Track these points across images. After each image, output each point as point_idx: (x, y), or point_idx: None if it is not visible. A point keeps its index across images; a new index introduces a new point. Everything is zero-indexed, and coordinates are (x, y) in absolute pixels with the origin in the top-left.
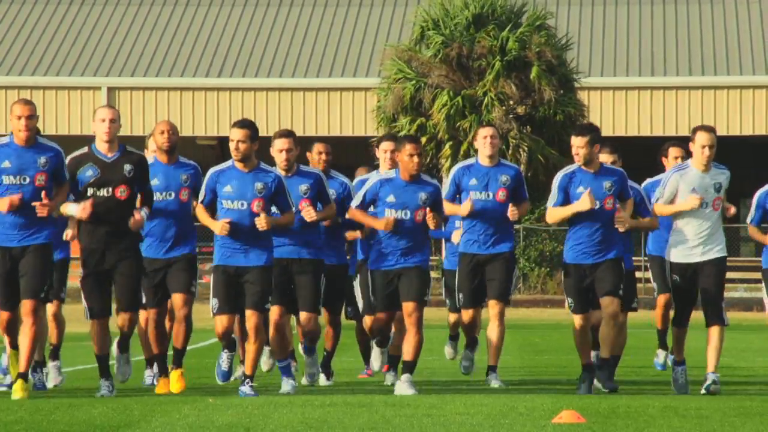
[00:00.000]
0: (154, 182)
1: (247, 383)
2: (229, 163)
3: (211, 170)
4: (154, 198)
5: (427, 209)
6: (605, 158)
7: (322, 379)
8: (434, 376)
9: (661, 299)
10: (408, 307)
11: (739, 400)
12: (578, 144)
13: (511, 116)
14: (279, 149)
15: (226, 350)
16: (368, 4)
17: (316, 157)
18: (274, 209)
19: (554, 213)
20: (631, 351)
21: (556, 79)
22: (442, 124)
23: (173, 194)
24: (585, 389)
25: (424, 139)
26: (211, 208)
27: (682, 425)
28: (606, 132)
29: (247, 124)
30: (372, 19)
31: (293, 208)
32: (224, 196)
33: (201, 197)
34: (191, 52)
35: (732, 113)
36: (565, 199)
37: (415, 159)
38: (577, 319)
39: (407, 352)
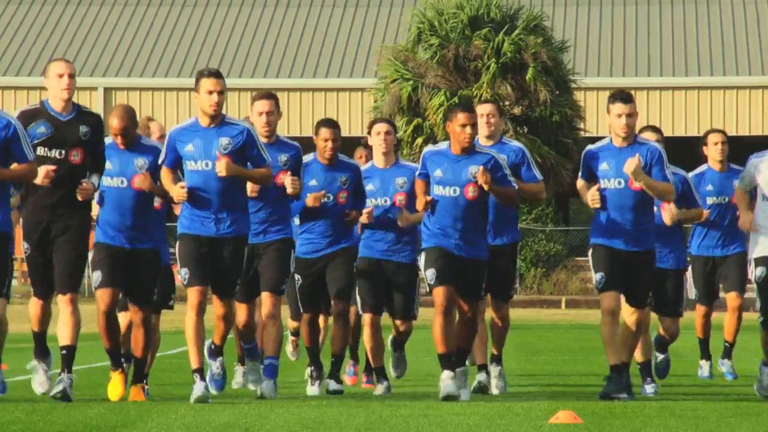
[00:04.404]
0: (107, 167)
1: (197, 377)
2: (191, 119)
3: (172, 129)
4: (108, 184)
5: (480, 168)
6: (648, 137)
7: (333, 386)
8: (430, 376)
9: (701, 310)
10: (463, 304)
11: (735, 401)
12: (626, 111)
13: (507, 117)
14: (259, 111)
15: (211, 358)
16: (365, 5)
17: (322, 144)
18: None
19: (578, 186)
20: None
21: (552, 80)
22: (439, 126)
23: (125, 181)
24: (613, 389)
25: (420, 140)
26: (176, 170)
27: (679, 425)
28: (603, 132)
29: (221, 75)
30: (369, 20)
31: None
32: (187, 156)
33: (162, 157)
34: (188, 52)
35: (729, 114)
36: (590, 174)
37: (468, 130)
38: (607, 299)
39: (459, 338)
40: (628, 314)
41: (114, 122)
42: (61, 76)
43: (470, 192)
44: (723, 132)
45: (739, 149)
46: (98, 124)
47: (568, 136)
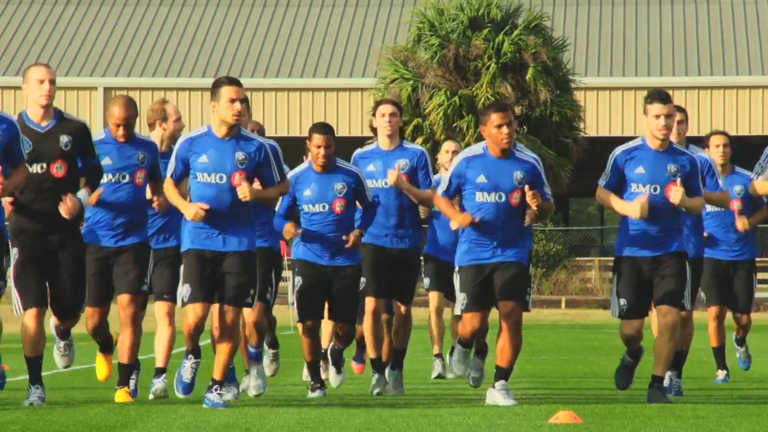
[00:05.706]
0: (106, 162)
1: (215, 390)
2: (204, 129)
3: (184, 137)
4: (105, 180)
5: (526, 187)
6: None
7: (332, 375)
8: (430, 376)
9: (712, 312)
10: (506, 306)
11: (735, 401)
12: (664, 112)
13: None
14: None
15: (191, 356)
16: (365, 5)
17: (314, 150)
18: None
19: (601, 195)
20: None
21: (552, 80)
22: (439, 125)
23: (127, 176)
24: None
25: (420, 140)
26: (180, 182)
27: (679, 426)
28: (603, 132)
29: (241, 83)
30: (368, 20)
31: (285, 179)
32: (199, 168)
33: (170, 169)
34: (188, 52)
35: (729, 114)
36: (619, 180)
37: (505, 130)
38: (627, 327)
39: (503, 358)
40: (663, 319)
41: (117, 111)
42: (41, 82)
43: (515, 198)
44: (725, 134)
45: (740, 149)
46: (82, 132)
47: (568, 136)
